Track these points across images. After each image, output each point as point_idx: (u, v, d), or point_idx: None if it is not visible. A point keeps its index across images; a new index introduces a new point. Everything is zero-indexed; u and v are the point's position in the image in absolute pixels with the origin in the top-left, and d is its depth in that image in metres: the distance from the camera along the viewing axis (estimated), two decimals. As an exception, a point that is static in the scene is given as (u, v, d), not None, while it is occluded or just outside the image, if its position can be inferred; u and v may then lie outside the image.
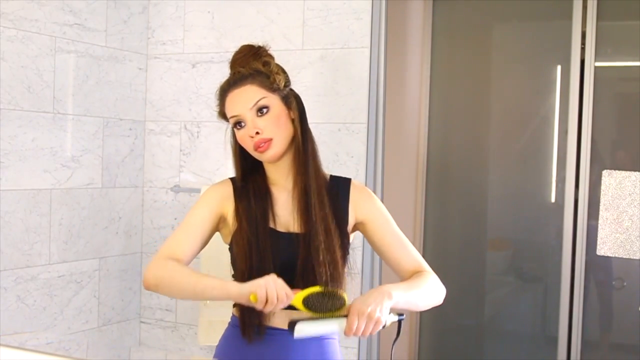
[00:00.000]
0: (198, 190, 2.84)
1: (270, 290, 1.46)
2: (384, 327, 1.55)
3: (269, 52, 1.73)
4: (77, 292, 2.74)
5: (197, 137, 2.91)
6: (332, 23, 2.67)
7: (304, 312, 1.52)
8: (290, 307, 1.52)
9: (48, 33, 2.58)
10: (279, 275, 1.54)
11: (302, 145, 1.67)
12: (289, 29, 2.74)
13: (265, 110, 1.63)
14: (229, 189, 1.71)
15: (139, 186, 3.00)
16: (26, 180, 2.53)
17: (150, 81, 3.00)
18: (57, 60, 2.63)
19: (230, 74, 1.70)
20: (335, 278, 1.63)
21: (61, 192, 2.67)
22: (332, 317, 1.52)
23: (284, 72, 1.71)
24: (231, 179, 1.74)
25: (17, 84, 2.48)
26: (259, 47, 1.72)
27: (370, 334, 1.51)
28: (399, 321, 1.59)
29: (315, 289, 1.53)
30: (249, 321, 1.63)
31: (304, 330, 1.50)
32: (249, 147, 1.65)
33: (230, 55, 2.82)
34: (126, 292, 2.96)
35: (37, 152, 2.57)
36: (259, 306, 1.48)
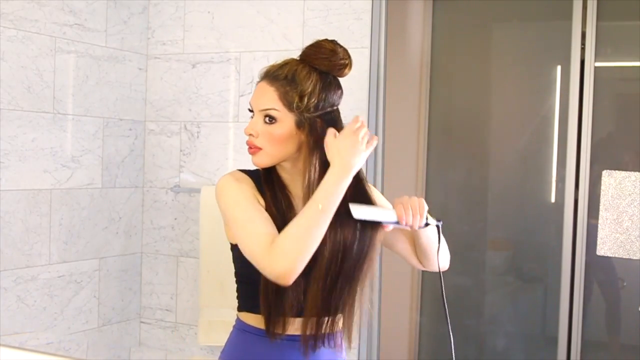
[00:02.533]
0: (198, 190, 2.84)
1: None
2: (426, 224, 1.59)
3: (340, 64, 1.58)
4: (77, 292, 2.74)
5: (197, 137, 2.91)
6: (332, 23, 2.67)
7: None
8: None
9: (48, 33, 2.58)
10: (299, 284, 1.53)
11: (308, 169, 1.57)
12: (289, 29, 2.74)
13: (272, 120, 1.56)
14: (250, 181, 1.61)
15: (139, 186, 3.00)
16: (26, 180, 2.53)
17: (150, 81, 3.00)
18: (57, 60, 2.63)
19: (281, 61, 1.60)
20: (357, 279, 1.62)
21: (61, 192, 2.67)
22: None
23: (322, 93, 1.57)
24: (242, 171, 1.64)
25: (17, 84, 2.48)
26: (333, 55, 1.58)
27: (420, 218, 1.55)
28: (438, 228, 1.63)
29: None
30: (271, 330, 1.59)
31: (361, 210, 1.54)
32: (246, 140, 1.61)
33: (230, 55, 2.84)
34: (126, 292, 2.96)
35: (37, 152, 2.57)
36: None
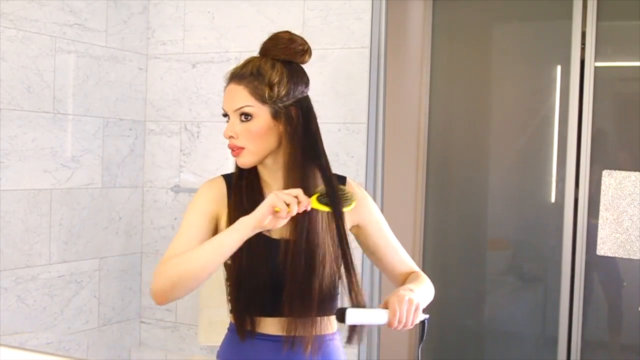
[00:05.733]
0: (198, 190, 2.84)
1: (285, 197, 1.46)
2: (420, 322, 1.56)
3: (300, 50, 1.61)
4: (77, 292, 2.74)
5: (197, 137, 2.91)
6: (332, 23, 2.67)
7: (326, 210, 1.55)
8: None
9: (48, 33, 2.58)
10: (273, 282, 1.55)
11: (291, 160, 1.59)
12: (289, 29, 2.73)
13: (248, 117, 1.57)
14: (221, 189, 1.66)
15: (139, 186, 3.00)
16: (26, 180, 2.53)
17: (150, 81, 3.00)
18: (57, 60, 2.63)
19: (243, 62, 1.62)
20: (329, 281, 1.61)
21: (61, 192, 2.67)
22: (349, 207, 1.56)
23: (291, 81, 1.59)
24: (224, 176, 1.69)
25: (17, 84, 2.48)
26: (291, 42, 1.61)
27: (412, 324, 1.52)
28: (424, 323, 1.58)
29: (318, 191, 1.55)
30: (240, 327, 1.62)
31: (354, 316, 1.51)
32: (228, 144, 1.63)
33: (230, 55, 2.84)
34: (126, 292, 2.96)
35: (37, 152, 2.57)
36: (283, 215, 1.45)
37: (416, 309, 1.52)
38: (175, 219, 2.96)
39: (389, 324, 1.51)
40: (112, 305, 2.90)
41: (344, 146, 2.65)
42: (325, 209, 1.54)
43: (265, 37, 2.80)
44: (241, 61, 1.65)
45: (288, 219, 1.48)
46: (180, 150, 2.95)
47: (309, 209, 1.49)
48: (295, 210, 1.46)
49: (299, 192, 1.48)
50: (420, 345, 1.59)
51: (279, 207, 1.45)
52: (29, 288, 2.55)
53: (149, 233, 3.01)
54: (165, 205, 2.98)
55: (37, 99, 2.56)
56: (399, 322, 1.50)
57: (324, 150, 1.64)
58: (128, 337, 2.99)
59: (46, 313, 2.62)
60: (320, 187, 1.56)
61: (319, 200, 1.53)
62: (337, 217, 1.58)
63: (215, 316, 2.71)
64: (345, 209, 1.56)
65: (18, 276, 2.52)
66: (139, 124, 2.99)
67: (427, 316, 1.58)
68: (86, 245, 2.77)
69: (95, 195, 2.80)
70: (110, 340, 2.90)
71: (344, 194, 1.57)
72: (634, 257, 1.85)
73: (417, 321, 1.54)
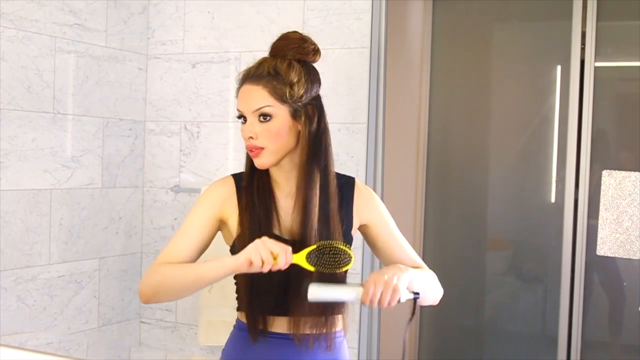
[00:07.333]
0: (198, 190, 2.84)
1: (263, 252, 1.44)
2: (399, 301, 1.53)
3: (312, 49, 1.63)
4: (77, 292, 2.74)
5: (197, 137, 2.92)
6: (332, 23, 2.67)
7: (310, 270, 1.50)
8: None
9: (48, 33, 2.58)
10: (283, 281, 1.55)
11: (307, 159, 1.61)
12: (289, 29, 2.72)
13: (267, 117, 1.57)
14: (230, 189, 1.66)
15: (139, 186, 3.00)
16: (26, 180, 2.53)
17: (150, 81, 3.00)
18: (57, 60, 2.63)
19: (256, 62, 1.63)
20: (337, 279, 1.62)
21: (61, 192, 2.67)
22: (339, 271, 1.49)
23: (308, 80, 1.61)
24: (234, 176, 1.69)
25: (17, 84, 2.48)
26: (304, 42, 1.63)
27: (389, 304, 1.50)
28: (414, 300, 1.55)
29: (314, 246, 1.51)
30: (252, 327, 1.62)
31: (318, 292, 1.48)
32: (245, 145, 1.63)
33: (230, 55, 2.84)
34: (126, 292, 2.96)
35: (37, 152, 2.57)
36: (256, 270, 1.45)
37: (394, 292, 1.50)
38: (175, 219, 2.96)
39: (362, 302, 1.51)
40: (112, 305, 2.90)
41: (344, 146, 2.65)
42: (310, 268, 1.50)
43: (265, 37, 2.80)
44: (242, 61, 1.65)
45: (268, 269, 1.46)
46: (180, 150, 2.95)
47: (285, 266, 1.47)
48: (269, 267, 1.45)
49: (287, 249, 1.46)
50: (409, 322, 1.58)
51: (254, 262, 1.44)
52: (29, 288, 2.55)
53: (149, 233, 3.01)
54: (165, 205, 2.98)
55: (37, 99, 2.56)
56: (371, 302, 1.49)
57: (330, 151, 1.67)
58: (128, 337, 2.99)
59: (46, 313, 2.62)
60: (321, 242, 1.51)
61: (308, 257, 1.49)
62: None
63: (215, 316, 2.71)
64: (335, 270, 1.51)
65: (18, 276, 2.52)
66: (139, 124, 2.99)
67: (418, 295, 1.55)
68: (86, 245, 2.77)
69: (95, 195, 2.80)
70: (110, 340, 2.90)
71: (342, 256, 1.50)
72: (634, 257, 1.85)
73: (396, 301, 1.51)
